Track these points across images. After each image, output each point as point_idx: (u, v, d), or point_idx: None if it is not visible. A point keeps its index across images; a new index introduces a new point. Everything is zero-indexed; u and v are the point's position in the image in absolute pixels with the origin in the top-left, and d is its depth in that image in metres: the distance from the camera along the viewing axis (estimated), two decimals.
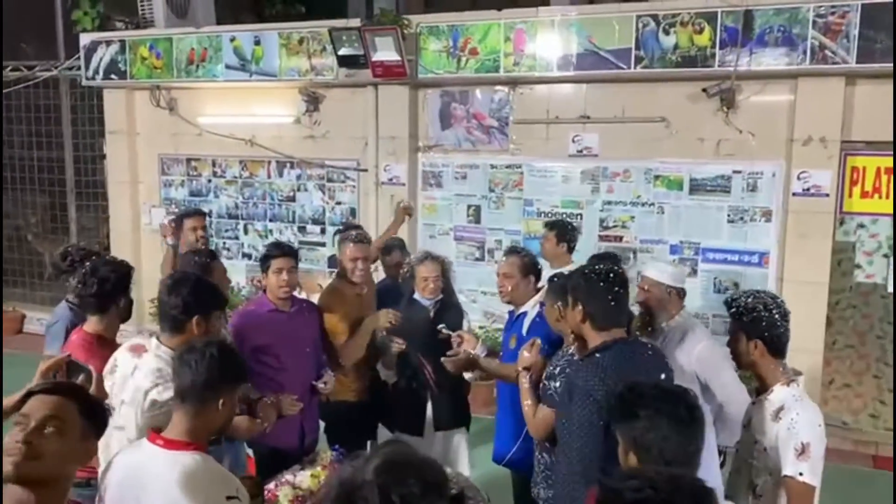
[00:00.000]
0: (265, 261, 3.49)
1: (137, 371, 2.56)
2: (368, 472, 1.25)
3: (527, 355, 2.89)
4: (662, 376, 2.40)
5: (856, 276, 5.25)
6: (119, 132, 7.32)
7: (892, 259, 5.11)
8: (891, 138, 4.83)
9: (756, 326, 2.29)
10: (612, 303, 2.43)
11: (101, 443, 2.57)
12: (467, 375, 3.55)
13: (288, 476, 3.10)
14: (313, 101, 6.43)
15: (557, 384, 2.69)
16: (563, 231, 4.64)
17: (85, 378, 2.13)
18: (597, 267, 2.57)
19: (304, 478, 3.12)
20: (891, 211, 5.04)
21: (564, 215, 5.80)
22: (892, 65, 4.59)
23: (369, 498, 1.22)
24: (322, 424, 3.78)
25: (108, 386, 2.64)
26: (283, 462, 3.25)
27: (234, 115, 6.83)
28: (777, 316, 2.28)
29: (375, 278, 4.36)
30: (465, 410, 3.86)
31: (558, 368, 2.76)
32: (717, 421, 3.00)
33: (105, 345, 2.93)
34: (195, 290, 2.62)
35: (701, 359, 3.00)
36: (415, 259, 3.81)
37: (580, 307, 2.48)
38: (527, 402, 2.85)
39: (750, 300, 2.32)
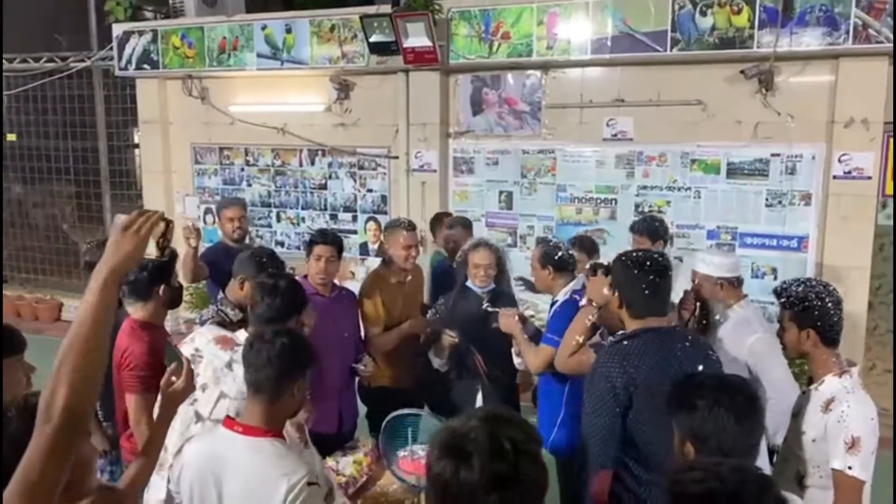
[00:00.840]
0: (309, 245, 3.57)
1: (236, 365, 2.58)
2: (474, 420, 1.35)
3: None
4: (700, 368, 2.34)
5: None
6: (152, 122, 7.39)
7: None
8: None
9: (808, 316, 2.24)
10: (647, 291, 2.41)
11: (179, 431, 2.58)
12: (517, 360, 3.52)
13: (331, 463, 3.13)
14: (344, 88, 6.43)
15: None
16: (654, 230, 4.51)
17: (176, 366, 2.15)
18: (635, 254, 2.55)
19: (347, 464, 3.15)
20: None
21: (598, 201, 5.76)
22: None
23: (479, 439, 1.29)
24: (364, 410, 3.83)
25: None
26: (322, 448, 3.27)
27: (265, 104, 6.85)
28: (830, 305, 2.23)
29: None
30: (515, 402, 3.83)
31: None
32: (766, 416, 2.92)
33: (151, 330, 2.98)
34: (290, 289, 2.77)
35: (754, 351, 2.93)
36: (469, 246, 3.77)
37: (617, 293, 2.48)
38: (576, 338, 2.89)
39: (801, 289, 2.27)
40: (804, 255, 5.22)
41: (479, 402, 3.64)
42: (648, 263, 2.43)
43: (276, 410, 2.07)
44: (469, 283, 3.66)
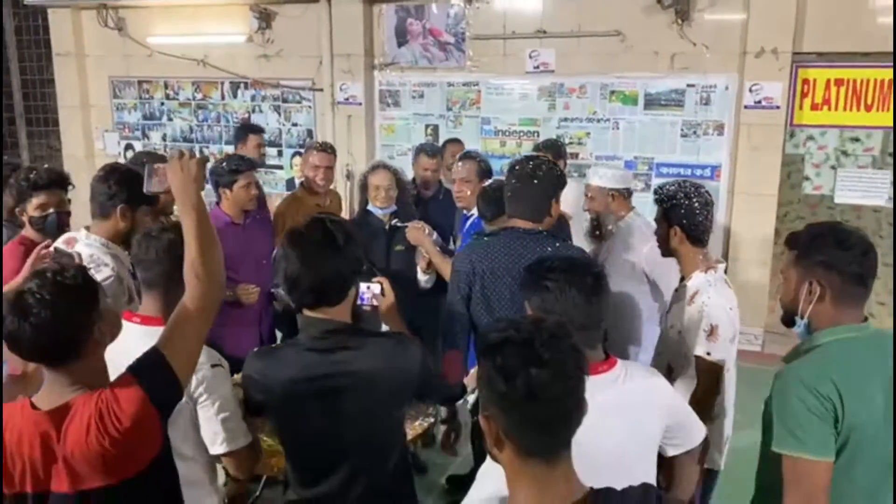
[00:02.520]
0: (232, 175, 3.46)
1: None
2: None
3: None
4: None
5: (804, 188, 5.35)
6: (67, 54, 7.08)
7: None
8: (843, 49, 4.86)
9: (675, 213, 2.33)
10: (508, 193, 2.54)
11: None
12: (422, 278, 3.55)
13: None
14: (265, 18, 6.27)
15: None
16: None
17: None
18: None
19: None
20: (840, 123, 5.12)
21: (522, 133, 5.81)
22: None
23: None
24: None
25: None
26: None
27: (184, 35, 6.62)
28: (697, 204, 2.32)
29: None
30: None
31: None
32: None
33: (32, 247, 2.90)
34: (123, 180, 2.58)
35: (649, 258, 3.04)
36: (367, 168, 3.77)
37: None
38: None
39: (672, 188, 2.37)
40: (717, 183, 5.38)
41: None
42: (512, 164, 2.59)
43: (172, 303, 2.01)
44: (370, 207, 3.66)
